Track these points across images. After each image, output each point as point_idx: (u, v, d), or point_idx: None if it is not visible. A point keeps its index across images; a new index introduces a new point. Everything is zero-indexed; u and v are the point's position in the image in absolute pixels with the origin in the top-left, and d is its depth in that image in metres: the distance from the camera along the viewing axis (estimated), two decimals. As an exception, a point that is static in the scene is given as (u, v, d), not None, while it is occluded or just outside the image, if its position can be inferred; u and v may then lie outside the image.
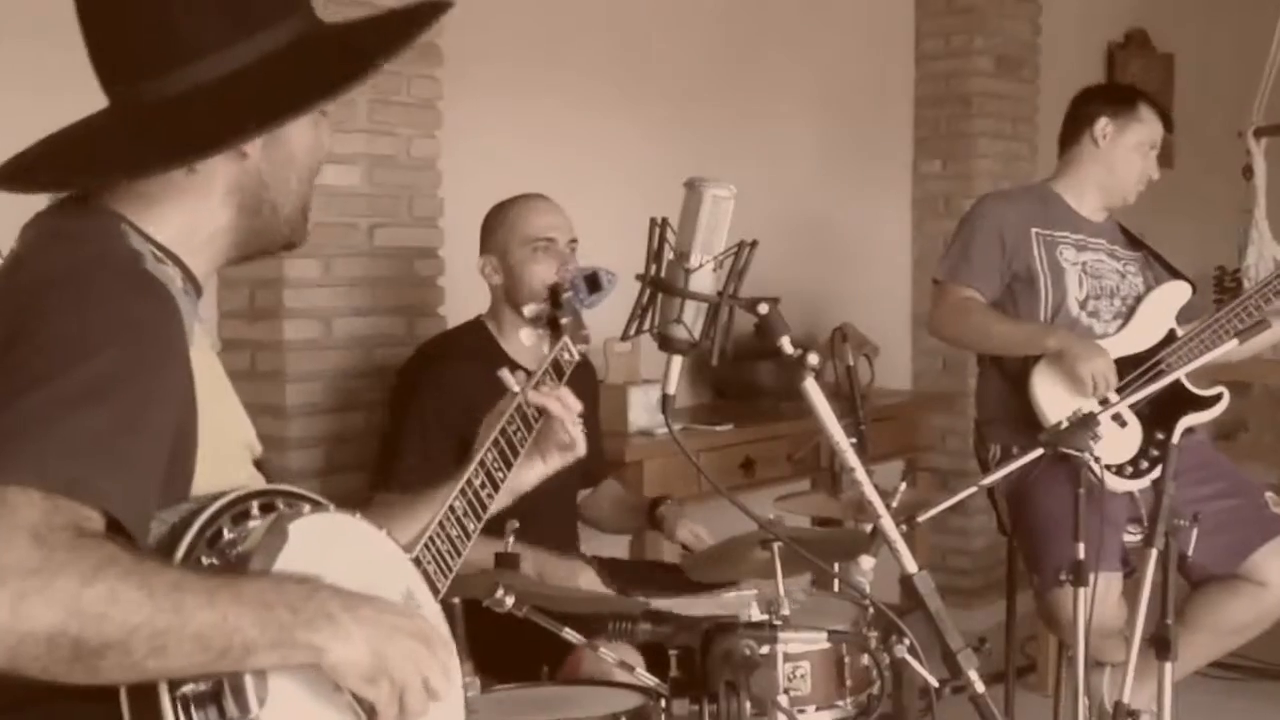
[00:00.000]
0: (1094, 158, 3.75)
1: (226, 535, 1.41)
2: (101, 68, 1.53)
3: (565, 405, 2.08)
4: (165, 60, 1.49)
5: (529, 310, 2.24)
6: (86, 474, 1.29)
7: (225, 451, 1.52)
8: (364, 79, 1.53)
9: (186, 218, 1.54)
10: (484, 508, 1.94)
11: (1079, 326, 3.63)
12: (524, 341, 2.23)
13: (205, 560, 1.38)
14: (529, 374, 2.10)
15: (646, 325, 1.86)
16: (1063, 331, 3.57)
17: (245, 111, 1.48)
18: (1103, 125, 3.73)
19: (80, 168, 1.52)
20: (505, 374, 2.06)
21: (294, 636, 1.33)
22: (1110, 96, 3.84)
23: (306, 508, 1.52)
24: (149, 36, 1.49)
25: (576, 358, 2.25)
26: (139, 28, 1.50)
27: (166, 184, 1.52)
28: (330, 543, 1.50)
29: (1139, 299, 3.72)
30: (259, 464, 1.62)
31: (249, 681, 1.32)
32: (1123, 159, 3.72)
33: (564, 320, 2.24)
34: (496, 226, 3.25)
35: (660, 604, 3.08)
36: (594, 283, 2.34)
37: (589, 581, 2.97)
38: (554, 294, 2.28)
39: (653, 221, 1.85)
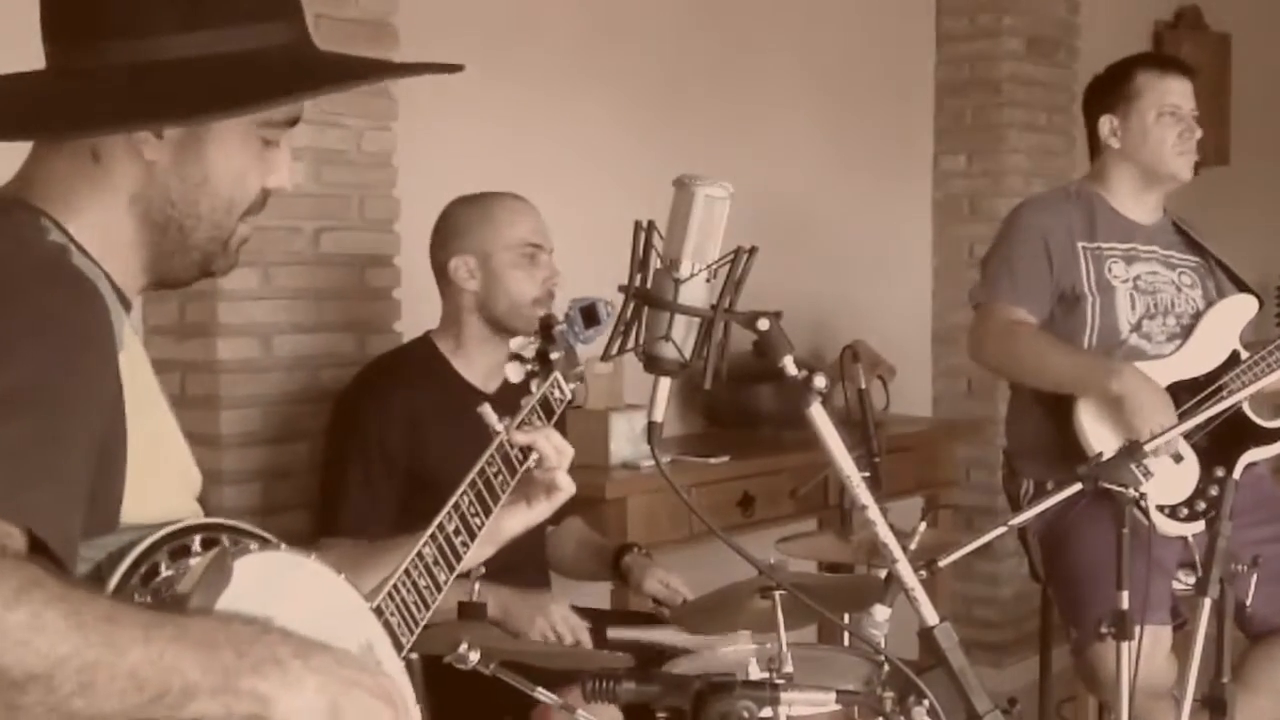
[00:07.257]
0: (1120, 157, 3.77)
1: (163, 572, 1.44)
2: (42, 22, 1.59)
3: (557, 448, 2.11)
4: (93, 29, 1.55)
5: (515, 343, 2.26)
6: (8, 488, 1.31)
7: (160, 476, 1.54)
8: (265, 105, 1.61)
9: (99, 218, 1.59)
10: (458, 557, 1.97)
11: (1127, 348, 3.64)
12: (509, 377, 2.24)
13: (138, 599, 1.41)
14: (513, 412, 2.13)
15: (630, 343, 1.87)
16: (1127, 373, 3.51)
17: (137, 103, 1.53)
18: (1109, 127, 3.77)
19: None
20: (487, 410, 2.09)
21: (239, 683, 1.34)
22: (1103, 89, 3.84)
23: (254, 545, 1.53)
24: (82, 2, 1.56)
25: (569, 397, 2.28)
26: None
27: (76, 174, 1.58)
28: (280, 585, 1.52)
29: (1197, 316, 3.73)
30: (200, 501, 1.64)
31: None
32: (1148, 143, 3.72)
33: (555, 355, 2.26)
34: (476, 223, 3.24)
35: (650, 635, 3.11)
36: (591, 315, 2.35)
37: (561, 614, 3.00)
38: (545, 327, 2.30)
39: (637, 225, 1.86)
